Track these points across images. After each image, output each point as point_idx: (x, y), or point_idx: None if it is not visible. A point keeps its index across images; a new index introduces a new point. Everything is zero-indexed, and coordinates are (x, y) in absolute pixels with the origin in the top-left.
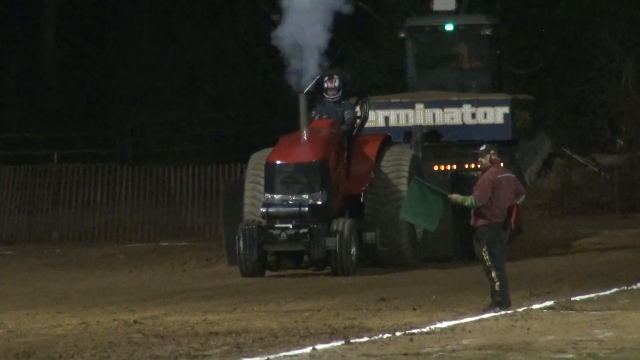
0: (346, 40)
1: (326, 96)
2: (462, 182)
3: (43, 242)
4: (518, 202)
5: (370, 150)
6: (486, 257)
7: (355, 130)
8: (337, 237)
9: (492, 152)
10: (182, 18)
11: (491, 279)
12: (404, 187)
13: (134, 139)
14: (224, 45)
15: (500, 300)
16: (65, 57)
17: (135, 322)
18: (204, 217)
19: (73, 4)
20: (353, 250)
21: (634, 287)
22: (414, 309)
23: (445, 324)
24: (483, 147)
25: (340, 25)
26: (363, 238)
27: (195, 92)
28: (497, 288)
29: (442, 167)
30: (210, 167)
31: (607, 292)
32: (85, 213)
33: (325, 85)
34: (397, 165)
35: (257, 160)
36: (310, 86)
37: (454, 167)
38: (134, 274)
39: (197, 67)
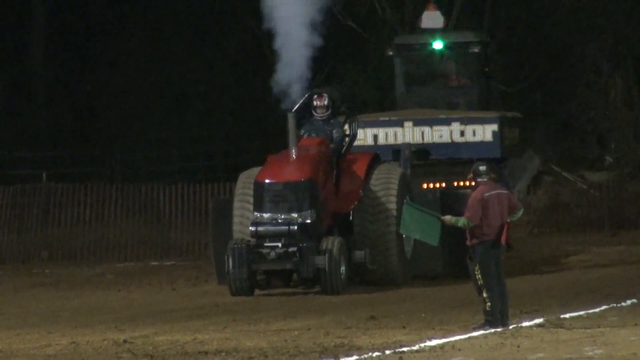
0: (334, 58)
1: (315, 114)
2: (451, 199)
3: (32, 262)
4: (515, 218)
5: (359, 168)
6: (478, 276)
7: (344, 149)
8: (327, 255)
9: (470, 171)
10: (171, 36)
11: (483, 299)
12: (393, 206)
13: (123, 158)
14: (212, 63)
15: (491, 320)
16: (54, 76)
17: (125, 341)
18: (193, 236)
19: (61, 23)
20: (342, 268)
21: (623, 304)
22: (404, 327)
23: (434, 342)
24: (475, 166)
25: (328, 43)
26: (352, 256)
27: (184, 110)
28: (487, 308)
29: (431, 185)
30: (200, 186)
31: (597, 310)
32: (74, 232)
33: (315, 103)
34: (386, 183)
35: (245, 179)
36: (299, 104)
37: (443, 184)
38: (123, 293)
39: (185, 86)
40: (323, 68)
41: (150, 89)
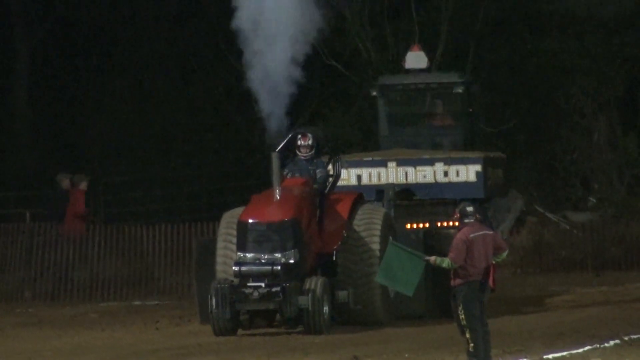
0: (318, 97)
1: (299, 154)
2: (434, 240)
3: (15, 301)
4: (500, 259)
5: (343, 208)
6: (462, 317)
7: (327, 189)
8: (310, 295)
9: (457, 212)
10: (155, 77)
11: (466, 339)
12: (376, 246)
13: (106, 198)
14: (196, 103)
15: None
16: (38, 116)
17: None
18: (176, 275)
19: (46, 63)
20: (326, 308)
21: (606, 344)
22: None
23: None
24: (462, 207)
25: (312, 83)
26: (336, 297)
27: (168, 150)
28: (470, 349)
29: (415, 225)
30: (183, 226)
31: (580, 350)
32: (57, 272)
33: (299, 142)
34: (369, 224)
35: (229, 219)
36: (283, 144)
37: (426, 225)
38: (107, 332)
39: (169, 126)
40: (307, 108)
41: (134, 129)
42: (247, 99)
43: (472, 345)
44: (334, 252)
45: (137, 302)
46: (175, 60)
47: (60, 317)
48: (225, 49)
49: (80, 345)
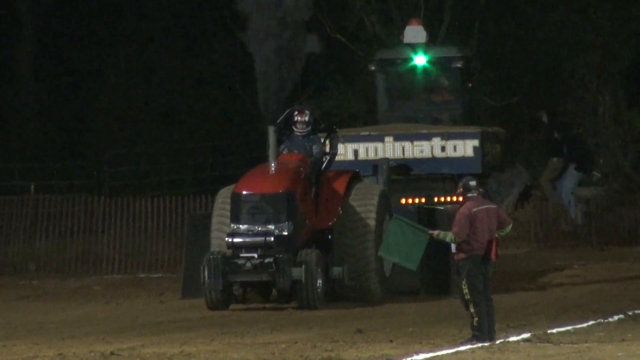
0: (323, 70)
1: (295, 129)
2: (430, 215)
3: (19, 274)
4: (504, 233)
5: (339, 185)
6: (465, 291)
7: (323, 165)
8: (303, 267)
9: (460, 186)
10: (159, 49)
11: (470, 314)
12: (372, 222)
13: (110, 170)
14: (200, 76)
15: (478, 335)
16: (42, 88)
17: (112, 353)
18: (180, 248)
19: (51, 37)
20: (319, 281)
21: (610, 319)
22: (391, 340)
23: (421, 356)
24: (465, 181)
25: (317, 56)
26: (330, 273)
27: (172, 123)
28: (475, 323)
29: (410, 200)
30: (187, 199)
31: (584, 325)
32: (61, 244)
33: (296, 118)
34: (365, 201)
35: (225, 195)
36: (280, 119)
37: (423, 200)
38: (111, 305)
39: (173, 99)
40: (311, 81)
41: (138, 102)
42: (252, 72)
43: (476, 319)
44: (330, 228)
45: (141, 275)
46: (180, 33)
47: (64, 289)
48: (230, 21)
49: (84, 317)
